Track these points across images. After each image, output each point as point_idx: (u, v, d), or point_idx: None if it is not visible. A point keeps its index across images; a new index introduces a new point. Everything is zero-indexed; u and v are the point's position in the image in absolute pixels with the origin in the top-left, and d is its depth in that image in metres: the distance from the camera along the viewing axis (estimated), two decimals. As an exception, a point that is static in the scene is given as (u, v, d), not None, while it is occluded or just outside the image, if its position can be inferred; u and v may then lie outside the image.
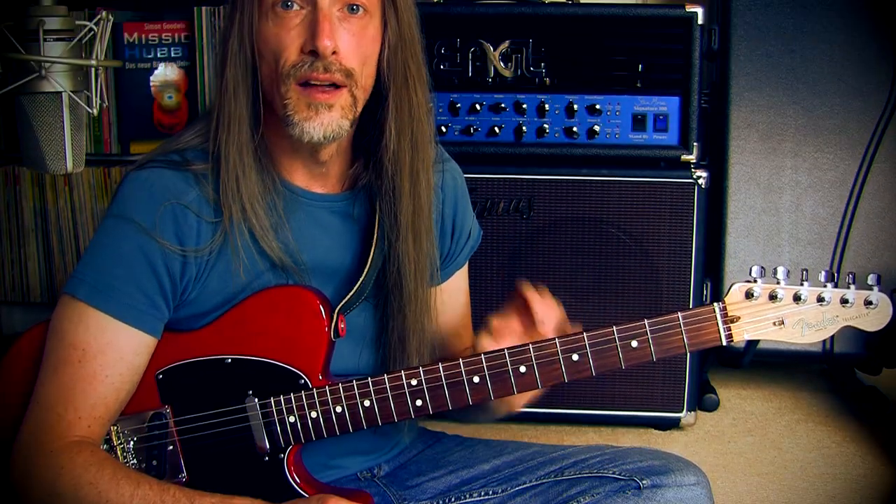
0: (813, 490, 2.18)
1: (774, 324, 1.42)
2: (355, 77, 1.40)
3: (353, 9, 1.39)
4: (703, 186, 2.32)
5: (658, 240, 2.34)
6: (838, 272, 2.37)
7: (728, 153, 2.49)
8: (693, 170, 2.32)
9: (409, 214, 1.49)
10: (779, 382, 2.79)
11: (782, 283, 1.42)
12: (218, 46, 1.68)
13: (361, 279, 1.49)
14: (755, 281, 1.42)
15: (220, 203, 1.41)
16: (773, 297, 1.41)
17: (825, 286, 1.42)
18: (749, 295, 1.42)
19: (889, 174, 2.46)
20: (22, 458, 1.38)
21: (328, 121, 1.39)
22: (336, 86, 1.39)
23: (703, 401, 2.56)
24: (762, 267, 1.43)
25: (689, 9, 2.29)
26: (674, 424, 2.45)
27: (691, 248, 2.33)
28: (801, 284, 1.42)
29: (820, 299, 1.41)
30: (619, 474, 1.51)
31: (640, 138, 2.35)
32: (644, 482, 1.48)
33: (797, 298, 1.41)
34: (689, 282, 2.34)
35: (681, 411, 2.41)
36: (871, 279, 1.41)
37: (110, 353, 1.38)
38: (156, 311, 1.41)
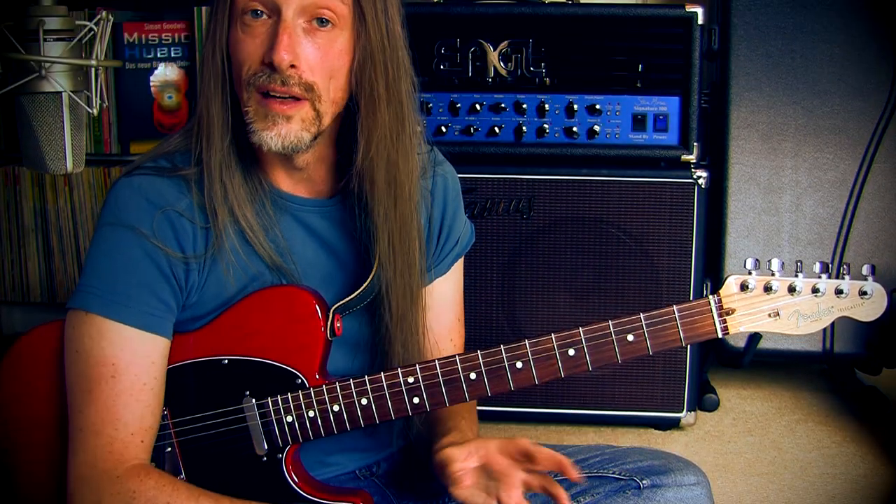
0: (813, 490, 2.18)
1: (770, 315, 1.42)
2: (318, 91, 1.37)
3: (321, 22, 1.36)
4: (703, 186, 2.31)
5: (658, 239, 2.33)
6: (838, 268, 2.37)
7: (728, 153, 2.48)
8: (693, 170, 2.32)
9: (389, 225, 1.46)
10: (779, 382, 2.79)
11: (777, 274, 1.42)
12: (199, 53, 1.67)
13: (366, 283, 1.48)
14: (750, 273, 1.42)
15: (210, 208, 1.41)
16: (767, 289, 1.41)
17: (820, 277, 1.42)
18: (744, 287, 1.41)
19: (889, 174, 2.45)
20: (87, 489, 1.35)
21: (285, 132, 1.37)
22: (297, 98, 1.37)
23: (703, 401, 2.56)
24: (757, 259, 1.42)
25: (689, 9, 2.29)
26: (674, 424, 2.45)
27: (691, 247, 2.33)
28: (796, 276, 1.42)
29: (815, 290, 1.41)
30: (619, 474, 1.51)
31: (640, 138, 2.35)
32: (644, 482, 1.48)
33: (792, 290, 1.41)
34: (689, 282, 2.34)
35: (681, 411, 2.41)
36: (865, 270, 1.41)
37: (140, 362, 1.37)
38: (170, 314, 1.40)
